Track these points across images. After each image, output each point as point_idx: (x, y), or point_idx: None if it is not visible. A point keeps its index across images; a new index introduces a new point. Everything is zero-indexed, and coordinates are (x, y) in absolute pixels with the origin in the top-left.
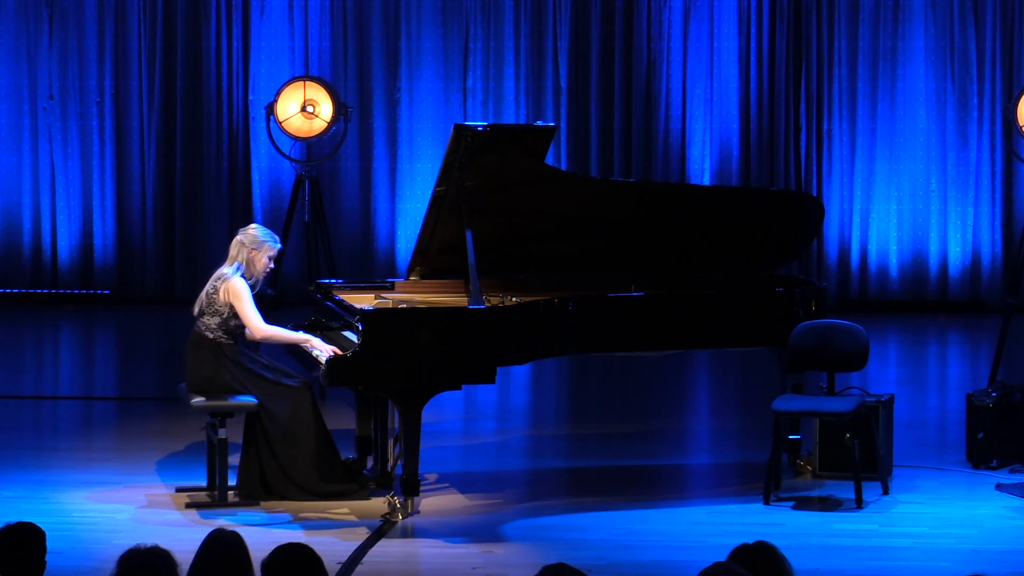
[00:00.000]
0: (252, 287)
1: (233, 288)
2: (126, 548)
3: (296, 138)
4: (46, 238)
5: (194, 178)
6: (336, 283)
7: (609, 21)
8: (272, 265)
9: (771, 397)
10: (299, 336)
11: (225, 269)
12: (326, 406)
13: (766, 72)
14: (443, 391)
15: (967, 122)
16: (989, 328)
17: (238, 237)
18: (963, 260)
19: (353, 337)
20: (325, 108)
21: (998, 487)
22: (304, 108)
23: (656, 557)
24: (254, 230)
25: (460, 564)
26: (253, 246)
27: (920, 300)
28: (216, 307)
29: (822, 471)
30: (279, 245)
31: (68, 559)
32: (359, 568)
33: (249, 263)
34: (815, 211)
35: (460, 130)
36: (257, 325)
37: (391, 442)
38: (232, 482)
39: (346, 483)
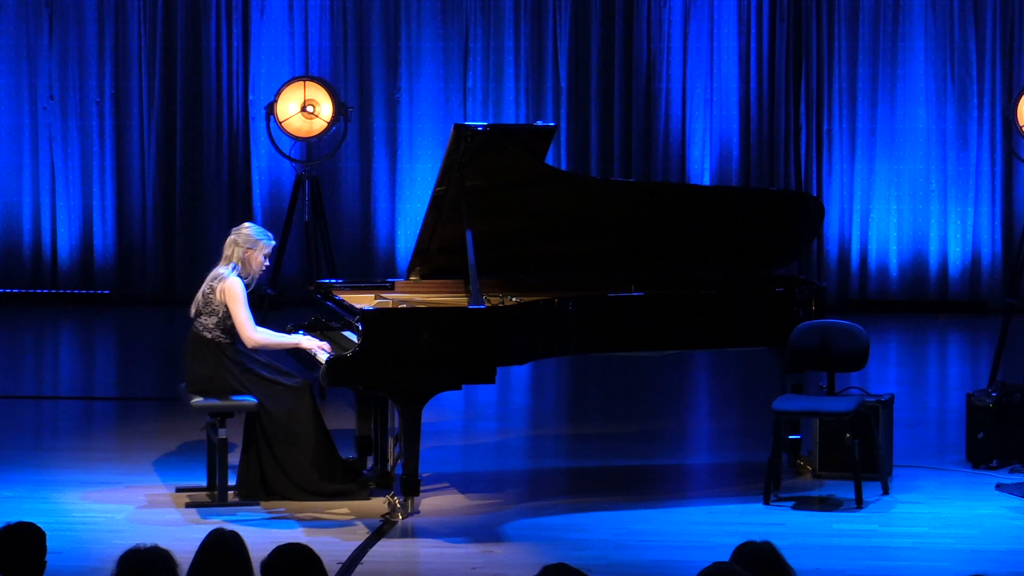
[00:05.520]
0: (248, 286)
1: (229, 289)
2: (126, 548)
3: (296, 138)
4: (46, 238)
5: (194, 178)
6: (336, 283)
7: (609, 21)
8: (268, 263)
9: (771, 397)
10: (290, 340)
11: (221, 269)
12: (326, 406)
13: (766, 72)
14: (443, 391)
15: (967, 122)
16: (989, 328)
17: (231, 237)
18: (963, 260)
19: (353, 337)
20: (325, 108)
21: (998, 487)
22: (304, 108)
23: (656, 557)
24: (247, 229)
25: (460, 564)
26: (248, 245)
27: (920, 300)
28: (213, 307)
29: (822, 471)
30: (273, 242)
31: (68, 559)
32: (359, 568)
33: (245, 262)
34: (815, 211)
35: (460, 130)
36: (249, 333)
37: (391, 442)
38: (232, 482)
39: (346, 483)
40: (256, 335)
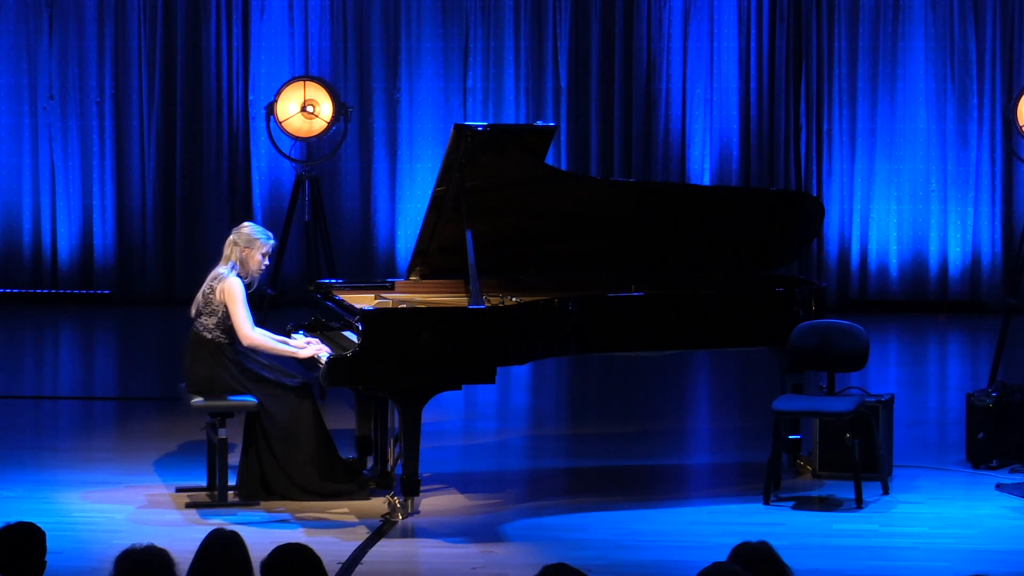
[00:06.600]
0: (248, 286)
1: (228, 289)
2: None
3: (296, 138)
4: (46, 238)
5: (194, 178)
6: (336, 283)
7: (609, 21)
8: (267, 262)
9: (771, 397)
10: (287, 349)
11: (220, 269)
12: (326, 406)
13: (766, 72)
14: (443, 391)
15: (967, 122)
16: (989, 328)
17: (231, 236)
18: (963, 260)
19: (353, 337)
20: (325, 108)
21: (998, 487)
22: (304, 108)
23: (656, 557)
24: (246, 228)
25: (460, 564)
26: (246, 244)
27: (920, 300)
28: (213, 307)
29: (822, 471)
30: (272, 241)
31: (68, 559)
32: (359, 568)
33: (243, 262)
34: (815, 211)
35: (460, 130)
36: (246, 332)
37: (391, 442)
38: (232, 482)
39: (346, 483)
40: (253, 335)
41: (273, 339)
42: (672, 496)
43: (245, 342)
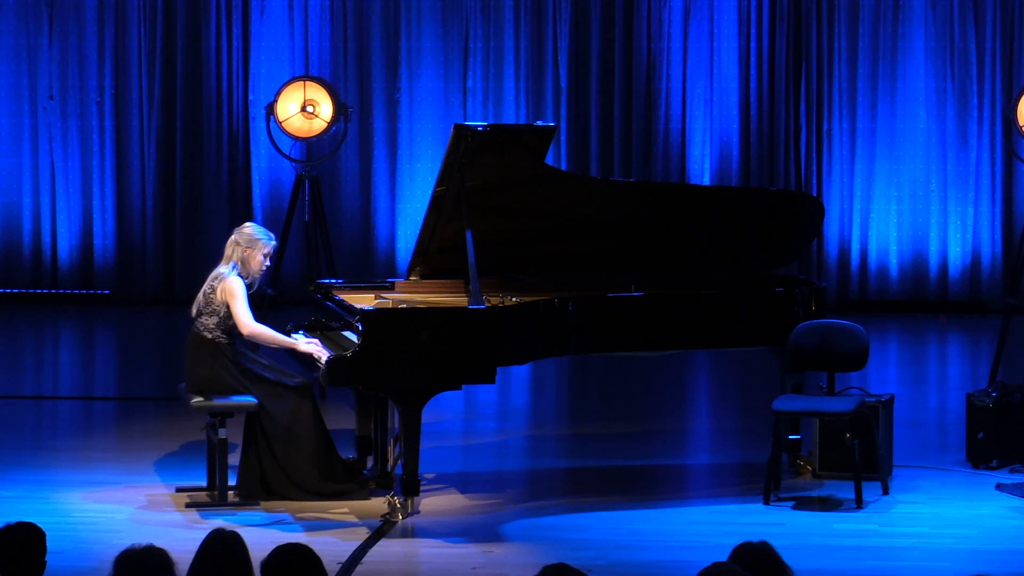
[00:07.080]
0: (249, 286)
1: (229, 287)
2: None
3: (296, 138)
4: (46, 238)
5: (194, 178)
6: (336, 283)
7: (609, 21)
8: (268, 263)
9: (771, 397)
10: (288, 341)
11: (222, 269)
12: (326, 406)
13: (766, 72)
14: (443, 391)
15: (967, 122)
16: (989, 328)
17: (233, 236)
18: (963, 260)
19: (353, 337)
20: (325, 108)
21: (998, 487)
22: (304, 108)
23: (656, 557)
24: (248, 228)
25: (460, 564)
26: (248, 245)
27: (920, 300)
28: (214, 307)
29: (822, 471)
30: (274, 242)
31: (68, 559)
32: (359, 568)
33: (245, 262)
34: (815, 211)
35: (460, 130)
36: (245, 322)
37: (391, 442)
38: (232, 482)
39: (346, 483)
40: (253, 324)
41: (272, 331)
42: (672, 496)
43: (245, 332)
